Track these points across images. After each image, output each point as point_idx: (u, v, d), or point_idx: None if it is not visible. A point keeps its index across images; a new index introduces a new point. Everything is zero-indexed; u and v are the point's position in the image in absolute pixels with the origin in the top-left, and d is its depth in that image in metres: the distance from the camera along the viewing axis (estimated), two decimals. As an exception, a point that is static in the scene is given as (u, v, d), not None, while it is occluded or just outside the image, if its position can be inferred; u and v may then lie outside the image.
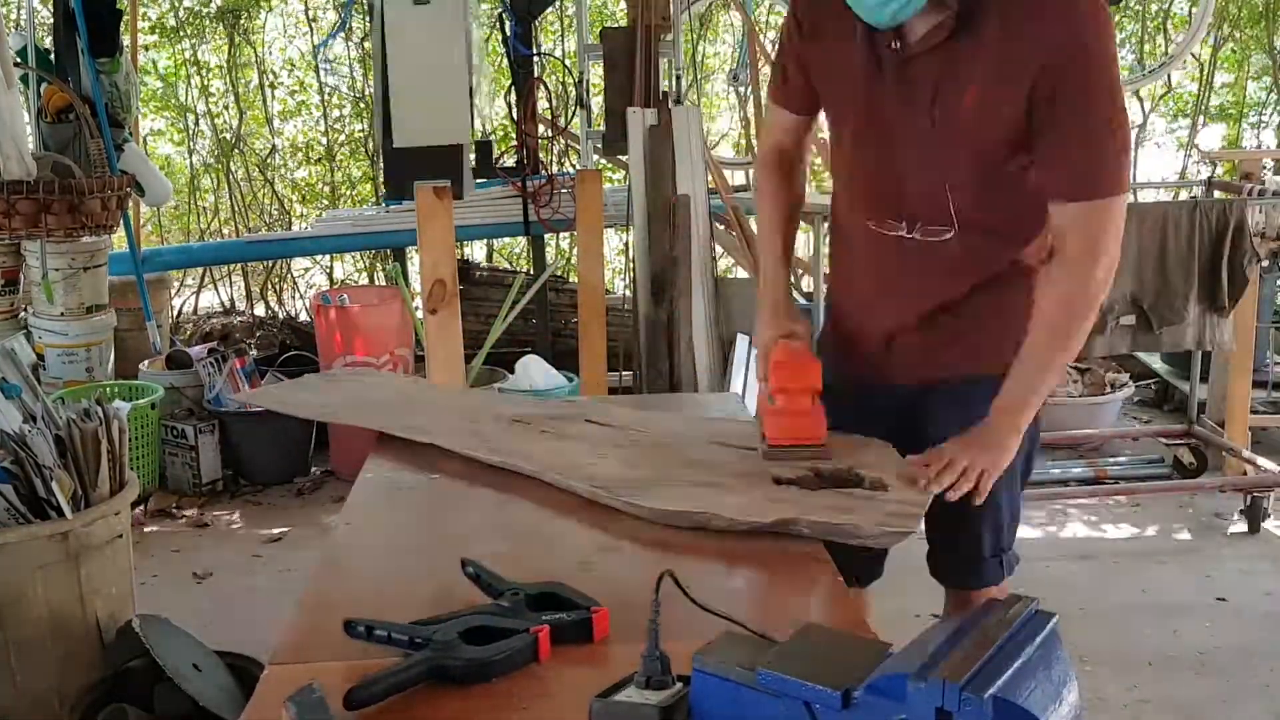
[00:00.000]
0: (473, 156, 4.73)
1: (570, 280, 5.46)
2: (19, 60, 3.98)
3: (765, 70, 5.19)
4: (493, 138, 5.59)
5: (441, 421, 1.88)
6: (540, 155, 4.58)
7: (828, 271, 2.05)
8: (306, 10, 6.18)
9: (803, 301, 4.56)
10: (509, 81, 4.77)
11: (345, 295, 4.51)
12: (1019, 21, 1.51)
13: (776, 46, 1.89)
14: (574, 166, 4.70)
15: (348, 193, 6.30)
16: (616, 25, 4.65)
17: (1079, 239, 1.56)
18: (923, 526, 1.53)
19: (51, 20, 4.50)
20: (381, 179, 5.61)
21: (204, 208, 6.37)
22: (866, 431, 1.74)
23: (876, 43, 1.61)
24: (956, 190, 1.65)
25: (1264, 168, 4.12)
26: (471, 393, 2.34)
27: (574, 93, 4.45)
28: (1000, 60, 1.53)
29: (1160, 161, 6.20)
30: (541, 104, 4.61)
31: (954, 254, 1.68)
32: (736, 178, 5.28)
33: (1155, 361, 5.01)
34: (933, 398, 1.77)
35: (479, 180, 4.75)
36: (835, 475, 1.56)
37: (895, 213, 1.70)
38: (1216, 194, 3.87)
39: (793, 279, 4.89)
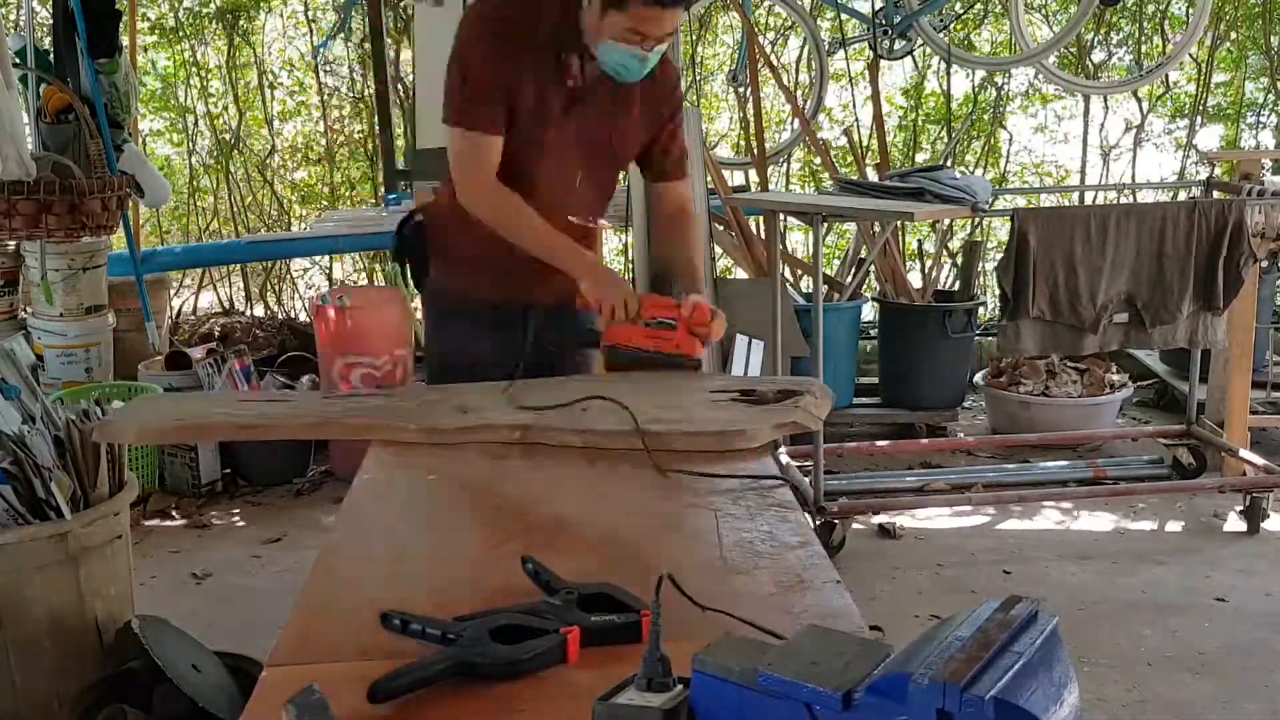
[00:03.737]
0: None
1: (569, 281, 5.44)
2: (18, 61, 3.98)
3: (765, 71, 5.19)
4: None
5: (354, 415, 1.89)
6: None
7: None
8: (306, 11, 6.18)
9: (802, 301, 4.56)
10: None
11: (345, 296, 4.51)
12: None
13: (472, 77, 2.13)
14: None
15: (347, 193, 6.30)
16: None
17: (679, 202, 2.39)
18: None
19: (51, 21, 4.50)
20: (381, 179, 5.62)
21: (203, 208, 6.37)
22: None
23: (560, 75, 2.14)
24: (604, 184, 2.35)
25: (1263, 168, 4.12)
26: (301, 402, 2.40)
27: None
28: (645, 94, 2.22)
29: (1159, 162, 6.20)
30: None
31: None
32: (736, 178, 5.28)
33: (1155, 362, 5.01)
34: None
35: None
36: (758, 396, 1.93)
37: (568, 208, 2.24)
38: (1215, 194, 3.87)
39: (791, 279, 4.92)
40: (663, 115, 2.29)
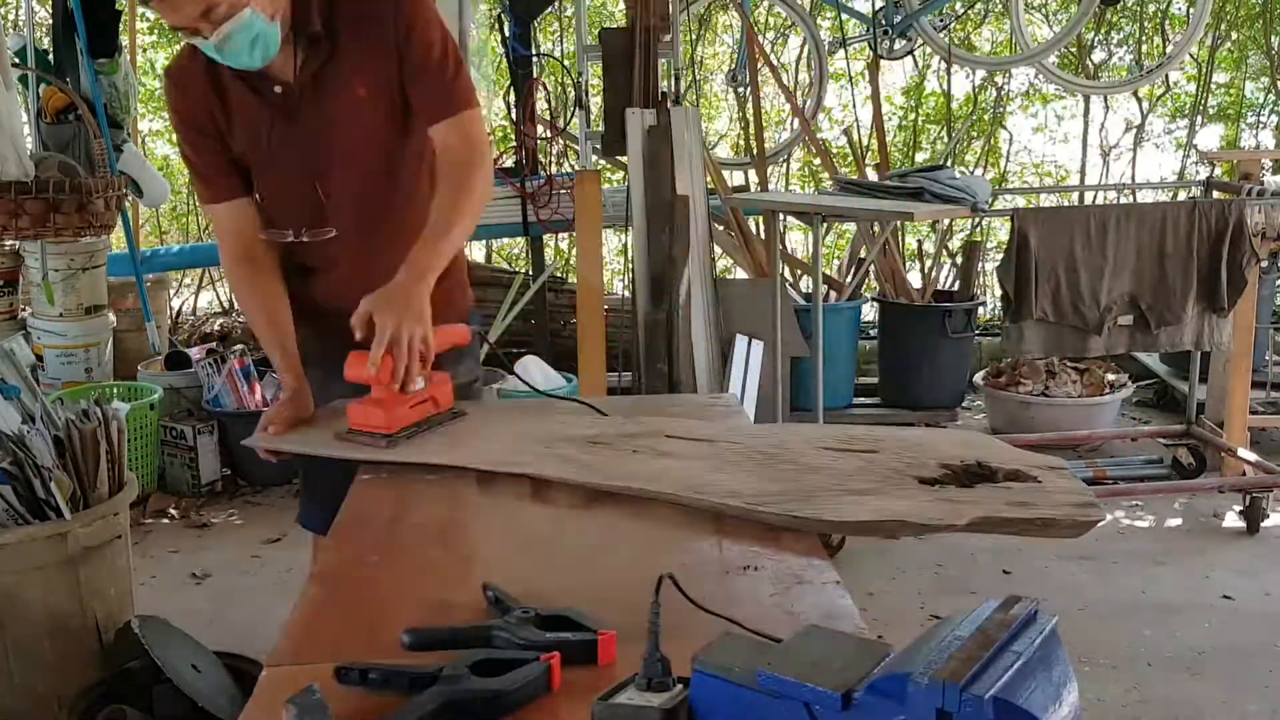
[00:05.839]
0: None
1: (569, 281, 5.46)
2: (18, 61, 3.98)
3: (764, 71, 5.20)
4: (491, 138, 5.60)
5: (513, 448, 1.73)
6: (539, 156, 4.59)
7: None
8: (305, 11, 6.18)
9: (802, 302, 4.57)
10: (508, 82, 4.78)
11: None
12: (360, 20, 1.82)
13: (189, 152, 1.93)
14: (573, 167, 4.71)
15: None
16: (615, 26, 4.66)
17: (459, 143, 1.84)
18: None
19: (50, 21, 4.51)
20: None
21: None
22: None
23: (264, 95, 1.84)
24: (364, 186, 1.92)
25: (1263, 168, 4.12)
26: (513, 411, 2.16)
27: (573, 93, 4.45)
28: (366, 51, 1.83)
29: (1159, 162, 6.21)
30: (540, 105, 4.62)
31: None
32: (735, 178, 5.28)
33: (1154, 362, 5.01)
34: None
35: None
36: (970, 470, 1.50)
37: (322, 222, 1.94)
38: (1215, 194, 3.87)
39: (791, 279, 4.91)
40: (382, 52, 1.83)
